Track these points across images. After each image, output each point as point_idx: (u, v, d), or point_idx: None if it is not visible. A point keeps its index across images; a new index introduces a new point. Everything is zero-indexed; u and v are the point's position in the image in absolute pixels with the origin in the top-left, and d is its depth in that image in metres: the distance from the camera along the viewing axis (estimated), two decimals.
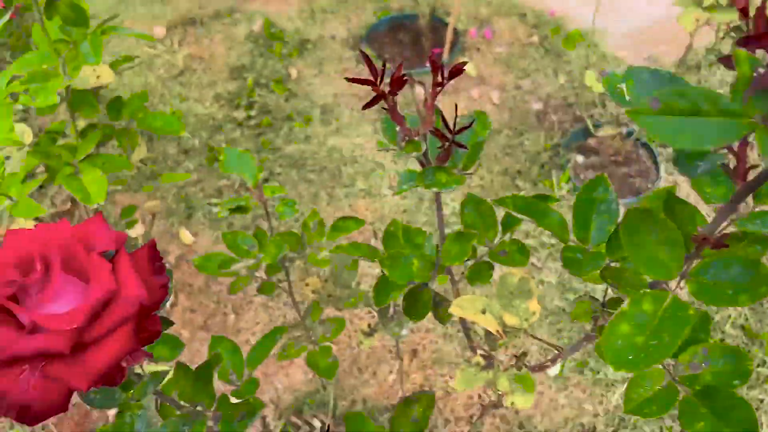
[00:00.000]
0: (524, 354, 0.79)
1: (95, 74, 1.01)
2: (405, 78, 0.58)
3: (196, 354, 1.63)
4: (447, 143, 0.62)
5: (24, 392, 0.48)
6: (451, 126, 0.61)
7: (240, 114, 2.06)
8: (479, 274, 0.68)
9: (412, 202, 1.87)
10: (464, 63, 0.59)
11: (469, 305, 0.65)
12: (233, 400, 0.66)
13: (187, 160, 1.96)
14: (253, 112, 2.07)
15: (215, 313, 1.70)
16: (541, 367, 0.76)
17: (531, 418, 1.51)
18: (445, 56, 2.17)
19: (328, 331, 0.97)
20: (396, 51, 2.25)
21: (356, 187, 1.91)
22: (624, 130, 1.88)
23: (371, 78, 0.59)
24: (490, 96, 2.10)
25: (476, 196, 0.73)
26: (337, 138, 2.01)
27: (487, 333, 0.78)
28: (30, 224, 1.18)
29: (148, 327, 0.51)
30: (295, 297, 1.07)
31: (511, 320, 0.67)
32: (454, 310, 0.63)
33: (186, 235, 1.80)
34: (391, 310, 1.08)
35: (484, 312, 0.65)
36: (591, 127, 1.83)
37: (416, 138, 0.62)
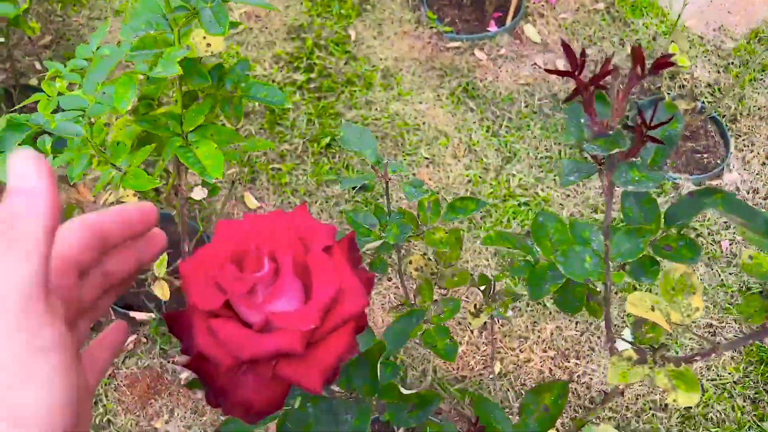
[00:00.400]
0: (664, 346, 0.78)
1: (205, 42, 0.98)
2: (611, 70, 0.56)
3: None
4: (641, 137, 0.59)
5: (246, 391, 0.47)
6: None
7: (299, 77, 2.02)
8: (643, 269, 0.66)
9: (476, 171, 1.85)
10: (670, 55, 0.56)
11: (639, 302, 0.63)
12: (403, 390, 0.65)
13: (248, 123, 1.93)
14: (313, 75, 2.03)
15: None
16: (689, 360, 0.75)
17: (602, 394, 1.52)
18: (508, 20, 2.12)
19: (441, 311, 0.96)
20: (456, 13, 2.19)
21: (419, 155, 1.88)
22: (699, 104, 1.84)
23: (570, 69, 0.57)
24: (555, 64, 2.05)
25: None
26: (398, 104, 1.98)
27: (636, 323, 0.77)
28: (131, 198, 1.17)
29: (360, 322, 0.50)
30: (403, 276, 1.06)
31: (675, 317, 0.65)
32: (629, 308, 0.62)
33: (251, 200, 1.79)
34: (493, 290, 1.07)
35: (653, 309, 0.64)
36: (670, 101, 1.78)
37: (610, 132, 0.59)
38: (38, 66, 2.06)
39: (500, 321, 1.60)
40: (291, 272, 0.46)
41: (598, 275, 0.63)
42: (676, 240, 0.68)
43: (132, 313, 1.61)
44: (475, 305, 1.04)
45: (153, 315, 1.60)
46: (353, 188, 0.89)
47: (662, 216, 0.70)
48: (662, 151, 0.61)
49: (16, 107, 1.13)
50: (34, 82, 1.99)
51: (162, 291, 1.36)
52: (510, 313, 1.00)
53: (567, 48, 0.58)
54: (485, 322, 1.06)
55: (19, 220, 0.27)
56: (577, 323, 1.60)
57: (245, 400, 0.48)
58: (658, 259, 0.69)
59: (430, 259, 1.05)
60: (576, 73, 0.57)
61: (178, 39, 0.92)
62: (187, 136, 0.99)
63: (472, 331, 1.59)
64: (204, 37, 0.97)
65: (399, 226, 0.89)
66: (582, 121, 0.61)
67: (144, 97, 1.08)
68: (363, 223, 0.90)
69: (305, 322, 0.44)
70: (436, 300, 0.99)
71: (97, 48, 1.17)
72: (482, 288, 1.05)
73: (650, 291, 1.60)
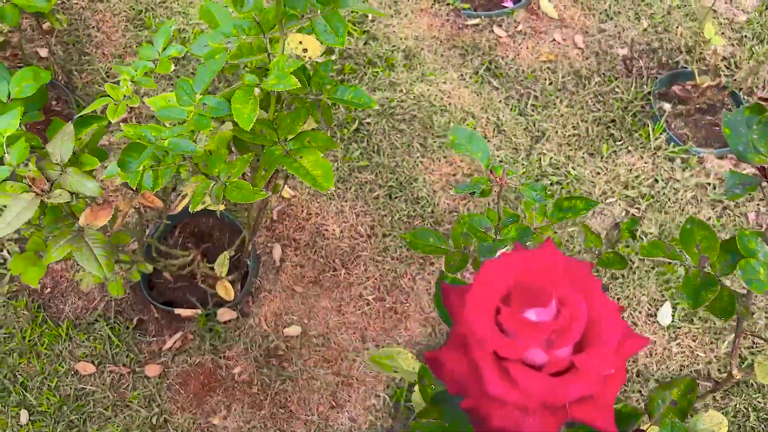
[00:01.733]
0: None
1: (300, 47, 0.96)
2: None
3: (312, 309, 1.63)
4: None
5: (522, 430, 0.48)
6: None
7: (320, 59, 1.97)
8: None
9: (507, 152, 1.86)
10: None
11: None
12: None
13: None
14: (333, 57, 1.99)
15: (325, 268, 1.69)
16: None
17: (648, 367, 1.58)
18: None
19: None
20: None
21: (449, 137, 1.88)
22: (722, 79, 1.88)
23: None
24: (574, 40, 2.05)
25: None
26: (423, 85, 1.96)
27: None
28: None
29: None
30: None
31: None
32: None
33: (286, 190, 1.77)
34: None
35: None
36: (697, 76, 1.82)
37: None
38: (42, 53, 1.96)
39: None
40: (583, 317, 0.46)
41: None
42: None
43: (177, 310, 1.58)
44: None
45: (198, 311, 1.58)
46: (471, 192, 0.89)
47: None
48: None
49: (82, 113, 1.08)
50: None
51: (225, 291, 1.35)
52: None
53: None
54: None
55: None
56: (618, 299, 1.65)
57: None
58: None
59: None
60: None
61: (282, 47, 0.90)
62: (286, 145, 0.97)
63: None
64: (300, 42, 0.95)
65: (517, 230, 0.89)
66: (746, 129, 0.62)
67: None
68: (479, 227, 0.91)
69: (606, 365, 0.45)
70: None
71: (163, 48, 1.13)
72: None
73: None
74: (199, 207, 1.06)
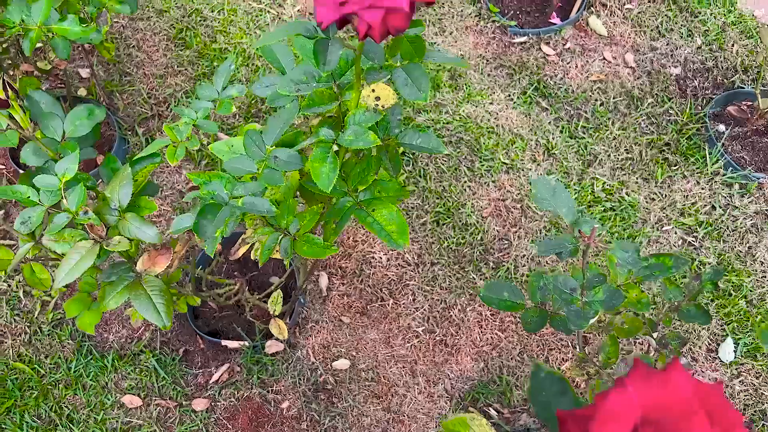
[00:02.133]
0: None
1: (373, 95, 0.91)
2: None
3: (360, 341, 1.59)
4: None
5: None
6: None
7: None
8: None
9: (558, 176, 1.80)
10: None
11: None
12: None
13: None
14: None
15: (372, 298, 1.65)
16: None
17: None
18: (573, 12, 2.05)
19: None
20: (515, 4, 2.11)
21: (497, 160, 1.83)
22: None
23: None
24: (624, 58, 1.99)
25: None
26: (469, 106, 1.91)
27: None
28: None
29: None
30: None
31: None
32: None
33: None
34: (659, 335, 1.04)
35: None
36: (759, 98, 1.75)
37: None
38: (83, 74, 1.94)
39: None
40: None
41: None
42: None
43: (224, 342, 1.55)
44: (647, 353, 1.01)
45: (246, 343, 1.55)
46: (557, 253, 0.83)
47: None
48: None
49: (139, 156, 1.04)
50: (83, 92, 1.87)
51: (279, 330, 1.31)
52: (683, 360, 0.98)
53: None
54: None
55: None
56: (677, 331, 1.59)
57: None
58: None
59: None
60: None
61: (356, 101, 0.85)
62: (357, 195, 0.93)
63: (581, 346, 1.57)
64: (372, 90, 0.90)
65: (606, 292, 0.84)
66: None
67: (283, 144, 1.01)
68: (564, 288, 0.86)
69: None
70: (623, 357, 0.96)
71: (223, 88, 1.10)
72: (654, 335, 1.01)
73: None
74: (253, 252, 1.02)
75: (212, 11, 2.05)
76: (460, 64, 0.83)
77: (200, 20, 2.03)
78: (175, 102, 1.89)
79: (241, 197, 0.81)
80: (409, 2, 0.64)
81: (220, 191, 0.81)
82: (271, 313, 1.31)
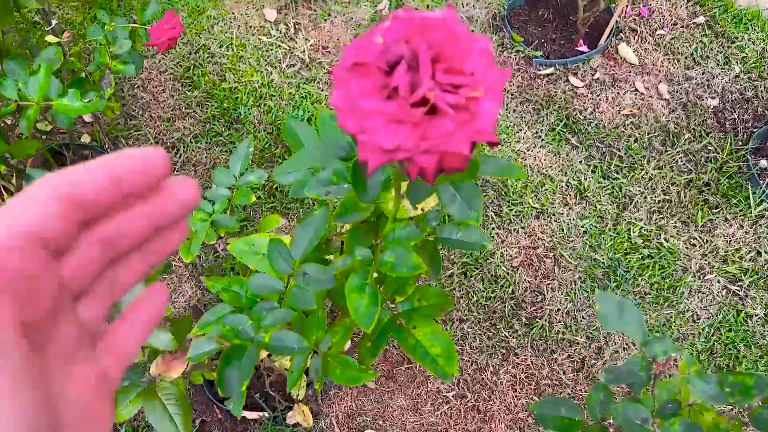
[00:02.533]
0: None
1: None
2: None
3: (387, 408, 1.50)
4: None
5: None
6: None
7: None
8: None
9: (592, 221, 1.70)
10: None
11: None
12: None
13: None
14: None
15: (398, 359, 1.55)
16: None
17: None
18: (602, 40, 1.93)
19: None
20: (540, 32, 2.00)
21: (526, 204, 1.72)
22: None
23: None
24: (658, 89, 1.88)
25: None
26: None
27: None
28: None
29: None
30: None
31: None
32: None
33: None
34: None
35: None
36: None
37: None
38: (86, 118, 1.84)
39: None
40: None
41: None
42: None
43: (242, 412, 1.46)
44: None
45: (266, 413, 1.46)
46: (629, 384, 0.74)
47: None
48: None
49: None
50: (86, 139, 1.78)
51: (303, 417, 1.22)
52: None
53: None
54: None
55: None
56: None
57: None
58: None
59: None
60: None
61: (395, 211, 0.75)
62: (395, 307, 0.83)
63: None
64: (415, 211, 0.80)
65: (683, 424, 0.74)
66: None
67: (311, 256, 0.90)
68: (634, 419, 0.76)
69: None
70: None
71: (241, 174, 1.00)
72: None
73: None
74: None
75: (220, 47, 1.94)
76: (518, 175, 0.73)
77: (208, 57, 1.93)
78: (184, 147, 1.79)
79: (268, 330, 0.71)
80: (471, 146, 0.54)
81: (244, 325, 0.71)
82: (295, 398, 1.22)
